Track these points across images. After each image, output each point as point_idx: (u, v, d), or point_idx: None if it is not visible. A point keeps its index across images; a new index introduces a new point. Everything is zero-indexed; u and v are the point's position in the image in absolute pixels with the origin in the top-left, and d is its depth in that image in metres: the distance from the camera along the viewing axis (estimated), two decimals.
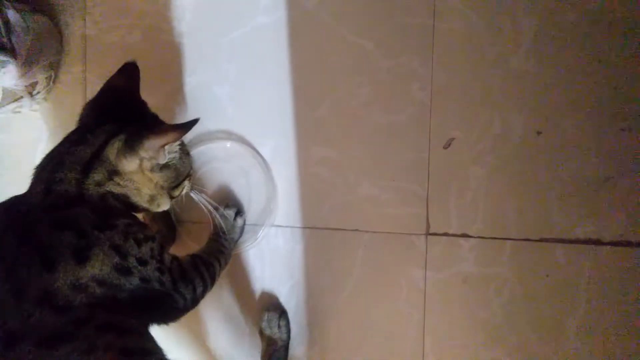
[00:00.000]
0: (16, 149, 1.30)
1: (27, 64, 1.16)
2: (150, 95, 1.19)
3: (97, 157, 0.78)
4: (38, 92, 1.24)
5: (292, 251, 1.15)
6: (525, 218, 1.06)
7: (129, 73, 0.92)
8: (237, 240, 1.12)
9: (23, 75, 1.15)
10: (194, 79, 1.18)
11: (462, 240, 1.09)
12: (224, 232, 1.08)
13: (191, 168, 0.93)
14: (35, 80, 1.21)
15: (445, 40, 1.08)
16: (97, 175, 0.77)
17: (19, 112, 1.25)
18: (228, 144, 1.17)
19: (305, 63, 1.14)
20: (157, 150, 0.80)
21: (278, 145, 1.15)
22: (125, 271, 0.74)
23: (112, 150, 0.78)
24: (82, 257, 0.70)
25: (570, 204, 1.05)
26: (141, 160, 0.80)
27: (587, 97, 1.04)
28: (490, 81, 1.07)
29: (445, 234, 1.10)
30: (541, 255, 1.06)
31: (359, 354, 1.13)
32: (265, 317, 1.12)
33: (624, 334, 1.03)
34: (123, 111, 0.86)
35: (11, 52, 1.11)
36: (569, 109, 1.04)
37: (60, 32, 1.25)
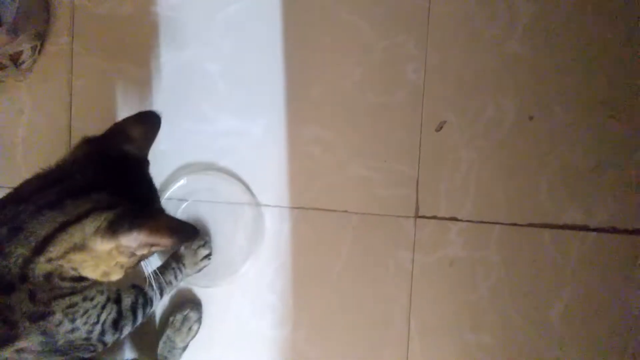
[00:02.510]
0: None
1: (12, 31, 1.12)
2: (139, 68, 1.17)
3: (64, 229, 0.67)
4: (23, 62, 1.20)
5: (280, 231, 1.14)
6: (514, 203, 1.07)
7: (149, 126, 0.81)
8: (189, 276, 1.07)
9: (8, 42, 1.12)
10: (185, 54, 1.16)
11: (450, 224, 1.09)
12: (183, 264, 1.04)
13: None
14: (20, 49, 1.18)
15: (441, 22, 1.08)
16: (56, 250, 0.67)
17: (3, 81, 1.21)
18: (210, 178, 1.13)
19: (299, 41, 1.13)
20: (141, 246, 0.70)
21: (269, 123, 1.14)
22: (49, 344, 0.72)
23: (89, 227, 0.67)
24: (5, 343, 0.68)
25: (559, 190, 1.05)
26: (118, 246, 0.69)
27: (579, 84, 1.04)
28: (484, 65, 1.07)
29: (435, 217, 1.09)
30: (529, 240, 1.06)
31: (344, 335, 1.12)
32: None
33: (608, 320, 1.04)
34: (123, 171, 0.75)
35: None
36: (561, 95, 1.05)
37: (47, 1, 1.22)
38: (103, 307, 0.79)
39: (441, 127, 1.09)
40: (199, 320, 1.11)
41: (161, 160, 1.16)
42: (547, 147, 1.05)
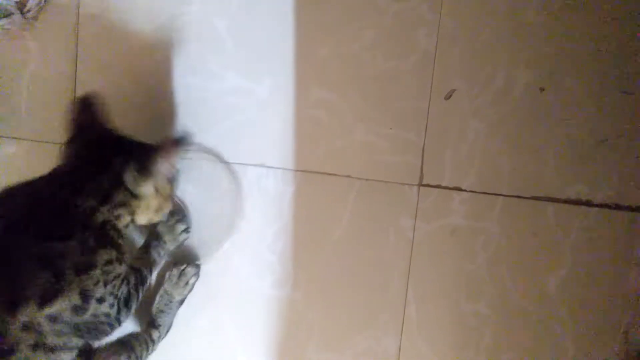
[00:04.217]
0: (2, 71, 1.24)
1: None
2: (146, 21, 1.15)
3: (115, 186, 0.86)
4: (29, 10, 1.19)
5: (283, 193, 1.14)
6: (518, 175, 1.06)
7: (89, 108, 0.95)
8: (169, 251, 1.09)
9: None
10: (193, 8, 1.14)
11: (454, 193, 1.09)
12: (164, 242, 1.07)
13: None
14: None
15: None
16: (118, 198, 0.85)
17: (9, 29, 1.19)
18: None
19: (310, 0, 1.10)
20: (169, 166, 0.90)
21: (276, 83, 1.12)
22: (81, 311, 0.81)
23: (129, 177, 0.86)
24: (46, 300, 0.76)
25: (565, 164, 1.05)
26: (156, 182, 0.89)
27: (593, 57, 1.03)
28: (498, 33, 1.05)
29: (438, 186, 1.09)
30: (531, 213, 1.06)
31: (342, 299, 1.13)
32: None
33: (604, 295, 1.05)
34: (110, 144, 0.92)
35: None
36: (574, 67, 1.03)
37: None
38: (122, 280, 0.90)
39: (450, 95, 1.07)
40: (197, 274, 1.12)
41: (167, 117, 1.15)
42: (556, 120, 1.04)
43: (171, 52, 1.15)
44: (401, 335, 1.11)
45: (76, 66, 1.18)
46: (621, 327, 1.05)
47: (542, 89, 1.04)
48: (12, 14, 1.17)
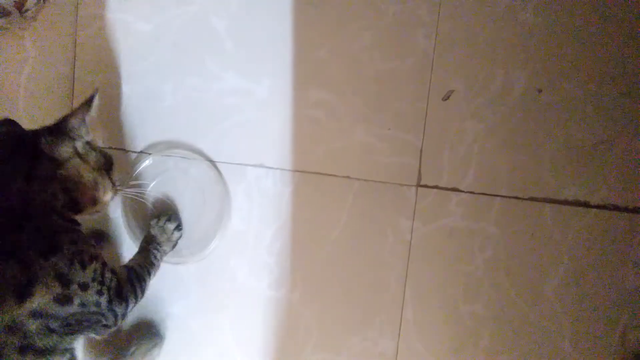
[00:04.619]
0: (0, 69, 1.24)
1: None
2: (145, 21, 1.15)
3: (36, 158, 0.80)
4: (27, 10, 1.18)
5: (281, 194, 1.14)
6: (516, 176, 1.07)
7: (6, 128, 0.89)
8: (167, 253, 1.09)
9: None
10: (192, 9, 1.14)
11: (452, 194, 1.09)
12: (158, 244, 1.06)
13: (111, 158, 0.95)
14: None
15: None
16: (41, 172, 0.80)
17: (7, 29, 1.19)
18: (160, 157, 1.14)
19: (309, 1, 1.10)
20: (80, 126, 0.87)
21: (275, 84, 1.12)
22: (65, 300, 0.76)
23: (45, 145, 0.82)
24: (24, 294, 0.71)
25: (563, 165, 1.05)
26: (73, 143, 0.85)
27: (592, 58, 1.03)
28: (496, 35, 1.05)
29: (436, 187, 1.09)
30: (528, 214, 1.06)
31: (339, 300, 1.13)
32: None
33: (601, 296, 1.05)
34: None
35: None
36: (572, 68, 1.04)
37: None
38: (103, 265, 0.84)
39: (448, 97, 1.08)
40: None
41: (165, 117, 1.15)
42: (554, 122, 1.05)
43: (169, 52, 1.15)
44: (398, 336, 1.11)
45: (74, 66, 1.18)
46: (619, 327, 1.05)
47: (539, 91, 1.05)
48: (11, 13, 1.17)
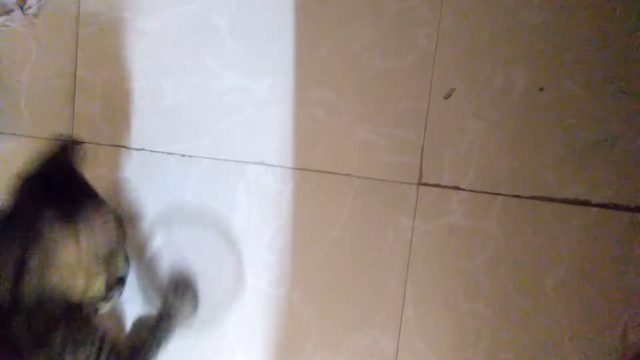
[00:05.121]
0: (2, 68, 1.24)
1: None
2: (146, 19, 1.15)
3: (32, 243, 0.75)
4: (29, 7, 1.19)
5: (281, 192, 1.14)
6: (517, 174, 1.06)
7: (63, 154, 0.90)
8: (181, 323, 1.08)
9: None
10: (193, 7, 1.14)
11: (453, 193, 1.09)
12: (173, 314, 1.06)
13: (125, 252, 0.94)
14: None
15: None
16: (33, 264, 0.74)
17: (8, 25, 1.20)
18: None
19: (310, 0, 1.11)
20: (94, 226, 0.80)
21: (276, 82, 1.12)
22: None
23: (48, 230, 0.76)
24: None
25: (564, 164, 1.05)
26: (77, 232, 0.78)
27: (593, 57, 1.03)
28: (498, 33, 1.05)
29: (437, 185, 1.09)
30: (529, 213, 1.06)
31: (339, 297, 1.13)
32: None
33: (602, 294, 1.05)
34: (61, 191, 0.83)
35: None
36: (573, 67, 1.03)
37: None
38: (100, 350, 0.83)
39: (450, 95, 1.08)
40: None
41: (166, 115, 1.15)
42: (555, 120, 1.05)
43: (170, 51, 1.15)
44: (399, 334, 1.11)
45: (76, 63, 1.18)
46: (619, 326, 1.05)
47: (541, 89, 1.05)
48: (13, 10, 1.17)
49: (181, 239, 1.15)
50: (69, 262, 0.77)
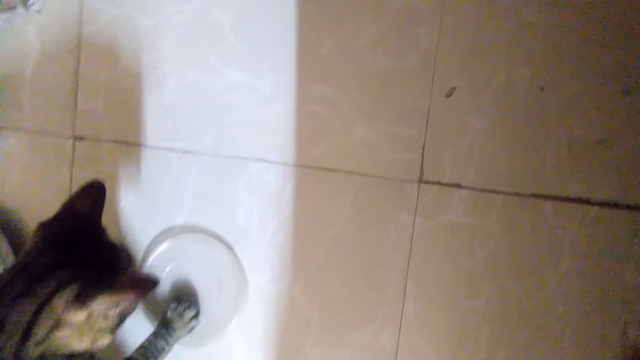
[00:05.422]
0: (5, 64, 1.25)
1: None
2: (149, 16, 1.16)
3: (41, 309, 0.70)
4: (33, 4, 1.19)
5: (283, 188, 1.14)
6: (518, 172, 1.07)
7: (94, 196, 0.84)
8: (180, 339, 1.09)
9: None
10: (195, 4, 1.14)
11: (454, 190, 1.09)
12: (173, 329, 1.06)
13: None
14: None
15: None
16: (40, 332, 0.70)
17: (13, 22, 1.20)
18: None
19: None
20: (111, 306, 0.74)
21: (277, 79, 1.13)
22: None
23: (59, 303, 0.71)
24: None
25: (564, 162, 1.05)
26: (91, 312, 0.73)
27: (594, 56, 1.03)
28: (499, 32, 1.05)
29: (438, 183, 1.10)
30: (530, 211, 1.07)
31: (341, 294, 1.14)
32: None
33: (603, 293, 1.05)
34: (80, 245, 0.78)
35: None
36: (574, 67, 1.04)
37: None
38: None
39: (451, 93, 1.08)
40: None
41: (168, 111, 1.16)
42: (556, 119, 1.05)
43: (173, 47, 1.15)
44: (399, 331, 1.12)
45: (79, 60, 1.18)
46: (620, 325, 1.06)
47: (542, 88, 1.05)
48: (16, 7, 1.18)
49: (181, 255, 1.16)
50: (78, 324, 0.73)
